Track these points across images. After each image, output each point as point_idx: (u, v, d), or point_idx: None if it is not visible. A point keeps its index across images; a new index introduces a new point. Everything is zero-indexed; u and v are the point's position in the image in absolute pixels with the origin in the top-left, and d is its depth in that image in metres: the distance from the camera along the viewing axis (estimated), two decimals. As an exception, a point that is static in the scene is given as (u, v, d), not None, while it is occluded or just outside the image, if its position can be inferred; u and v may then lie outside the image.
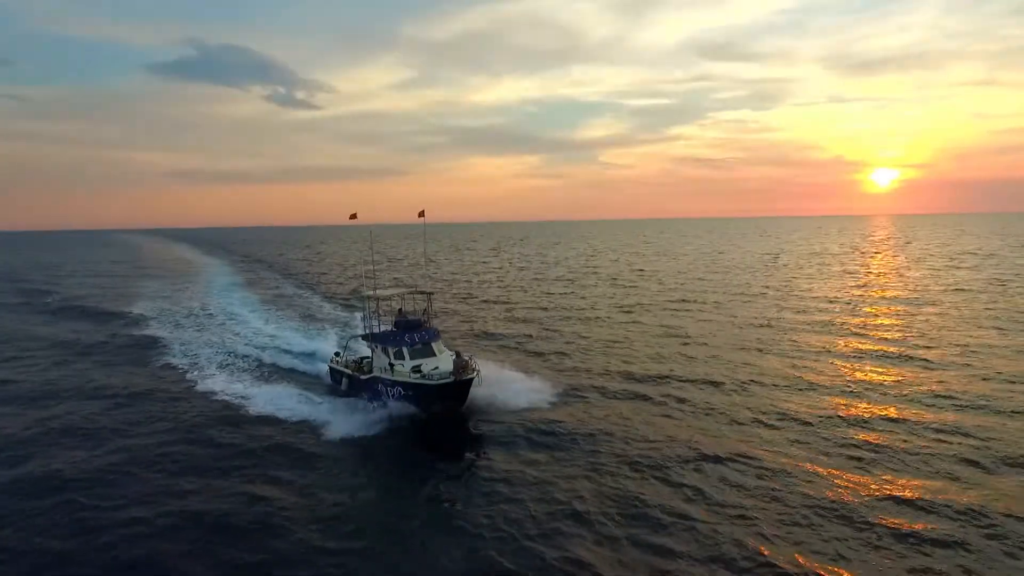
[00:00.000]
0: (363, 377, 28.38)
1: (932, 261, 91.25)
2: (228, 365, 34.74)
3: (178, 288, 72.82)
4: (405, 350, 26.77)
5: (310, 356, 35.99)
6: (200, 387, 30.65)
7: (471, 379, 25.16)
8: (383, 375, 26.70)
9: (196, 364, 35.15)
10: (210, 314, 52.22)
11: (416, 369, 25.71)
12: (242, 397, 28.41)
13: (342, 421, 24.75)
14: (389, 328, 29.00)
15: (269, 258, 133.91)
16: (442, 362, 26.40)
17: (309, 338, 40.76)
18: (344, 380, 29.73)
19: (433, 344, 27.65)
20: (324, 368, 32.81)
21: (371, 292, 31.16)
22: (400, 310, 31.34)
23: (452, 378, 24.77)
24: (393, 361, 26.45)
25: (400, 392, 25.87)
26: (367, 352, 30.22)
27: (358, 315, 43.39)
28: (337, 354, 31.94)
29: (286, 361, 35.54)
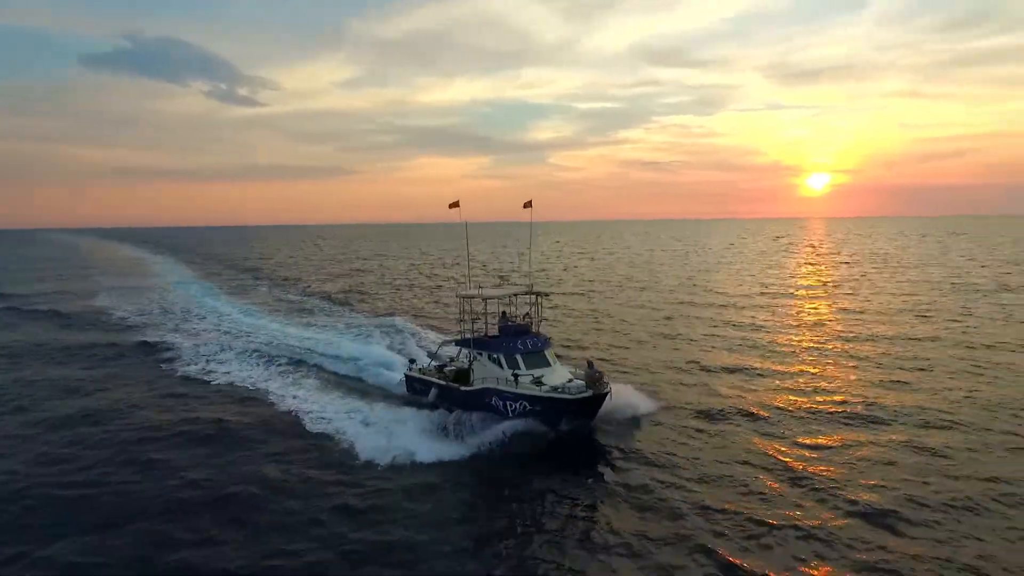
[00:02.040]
0: (465, 389, 24.98)
1: (829, 258, 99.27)
2: (284, 372, 31.94)
3: (147, 289, 72.04)
4: (520, 358, 24.13)
5: (374, 364, 32.67)
6: (257, 397, 27.86)
7: (607, 392, 22.49)
8: (501, 386, 23.55)
9: (216, 371, 32.61)
10: (201, 315, 50.46)
11: (537, 381, 23.07)
12: (319, 415, 24.80)
13: (455, 443, 21.74)
14: (474, 335, 25.98)
15: (250, 262, 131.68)
16: (559, 373, 24.24)
17: (352, 340, 38.09)
18: (433, 391, 26.22)
19: (546, 352, 25.13)
20: (390, 376, 30.26)
21: (474, 291, 27.46)
22: (504, 313, 27.79)
23: (590, 391, 22.00)
24: (509, 371, 23.69)
25: (525, 407, 22.79)
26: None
27: (398, 319, 43.96)
28: (412, 361, 29.50)
29: (336, 367, 32.70)
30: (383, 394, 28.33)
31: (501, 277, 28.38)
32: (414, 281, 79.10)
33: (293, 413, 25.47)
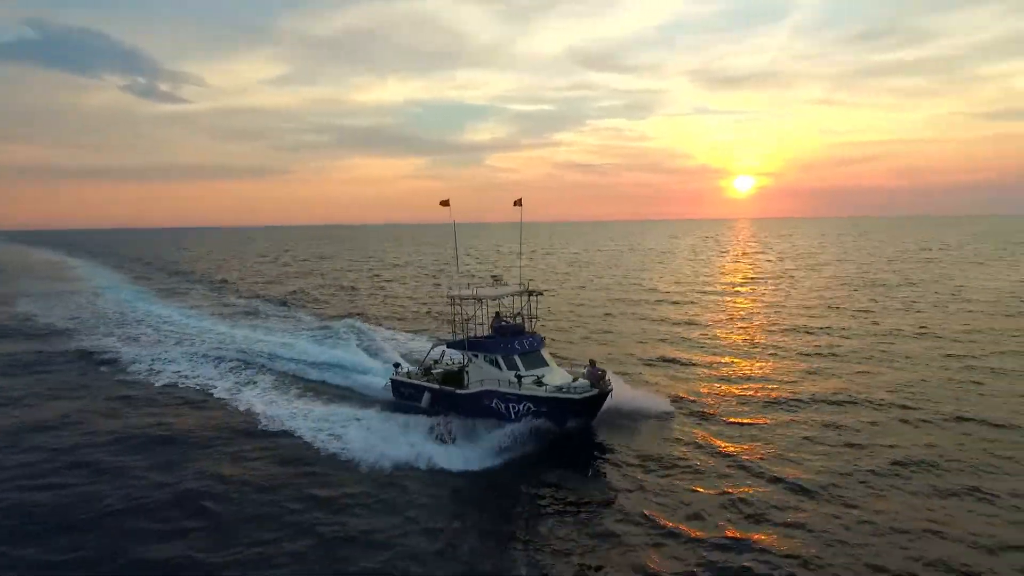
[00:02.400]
0: (461, 392, 24.45)
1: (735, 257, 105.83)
2: (249, 381, 30.71)
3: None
4: (518, 359, 23.73)
5: (337, 367, 32.27)
6: (228, 408, 26.63)
7: (610, 391, 22.70)
8: (503, 388, 23.11)
9: (200, 382, 30.83)
10: (144, 322, 48.41)
11: (538, 381, 22.86)
12: (294, 424, 23.90)
13: (458, 449, 21.02)
14: (466, 336, 25.34)
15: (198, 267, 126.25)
16: (558, 372, 24.13)
17: (321, 344, 37.13)
18: (426, 396, 25.46)
19: (543, 352, 24.95)
20: (372, 381, 29.47)
21: (468, 292, 26.39)
22: (497, 314, 27.08)
23: (596, 390, 22.16)
24: (509, 372, 23.27)
25: (529, 408, 22.45)
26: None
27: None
28: (397, 365, 28.42)
29: (314, 375, 31.48)
30: (368, 400, 27.26)
31: (494, 277, 27.75)
32: (362, 282, 78.93)
33: (279, 424, 24.20)
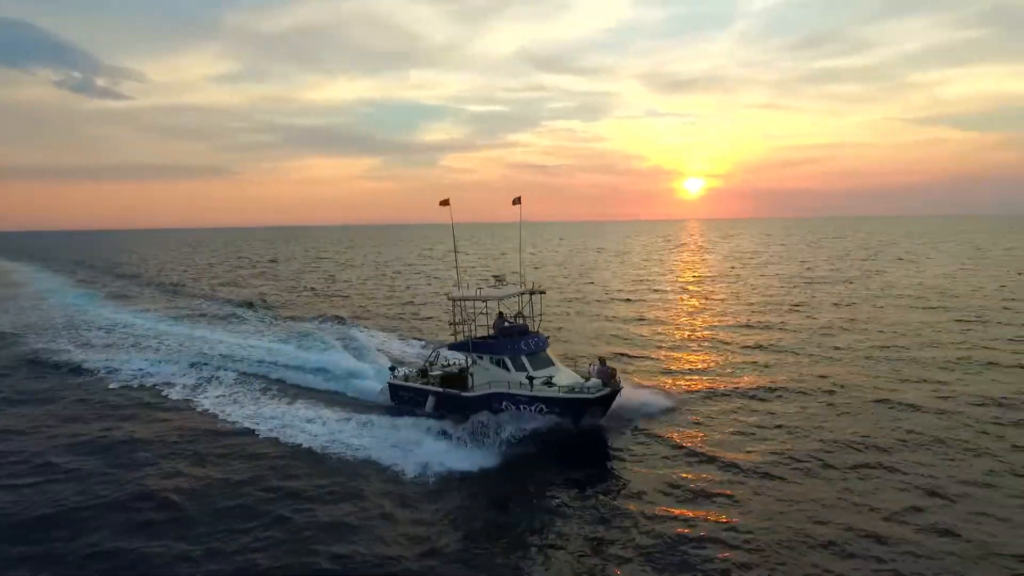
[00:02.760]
0: (468, 395, 24.37)
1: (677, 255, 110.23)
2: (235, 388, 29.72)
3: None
4: (525, 360, 23.80)
5: (323, 371, 31.69)
6: (213, 418, 25.46)
7: (621, 388, 23.15)
8: (513, 390, 23.08)
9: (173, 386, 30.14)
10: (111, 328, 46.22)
11: (547, 382, 23.12)
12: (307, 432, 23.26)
13: (468, 451, 21.03)
14: (468, 337, 25.29)
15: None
16: (565, 372, 24.34)
17: (307, 350, 36.14)
18: (430, 400, 25.36)
19: (547, 352, 25.10)
20: (365, 385, 29.09)
21: (471, 293, 26.08)
22: (501, 314, 26.84)
23: (608, 389, 22.47)
24: (519, 373, 23.31)
25: (542, 409, 22.66)
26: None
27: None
28: (393, 369, 28.33)
29: (298, 379, 30.70)
30: (366, 405, 26.75)
31: (496, 278, 27.81)
32: (325, 283, 78.55)
33: (290, 435, 23.28)
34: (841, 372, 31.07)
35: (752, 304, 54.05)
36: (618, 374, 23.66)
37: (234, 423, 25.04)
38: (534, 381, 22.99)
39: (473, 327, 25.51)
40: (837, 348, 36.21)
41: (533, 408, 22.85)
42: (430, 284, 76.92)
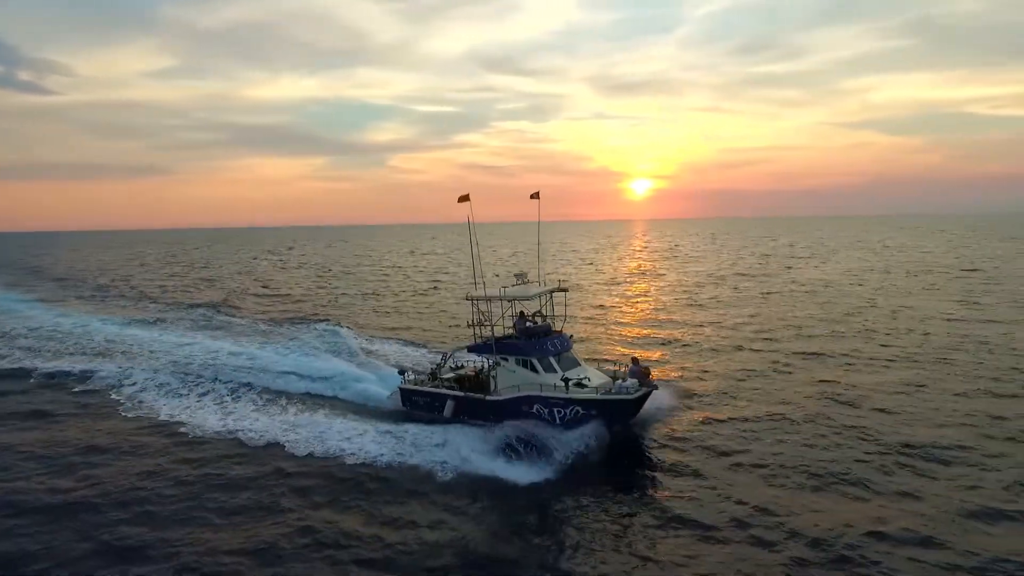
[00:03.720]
0: (493, 398, 23.15)
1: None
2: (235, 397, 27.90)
3: None
4: (553, 361, 22.86)
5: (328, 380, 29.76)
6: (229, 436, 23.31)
7: (656, 387, 22.35)
8: (545, 392, 21.89)
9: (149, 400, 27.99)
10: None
11: (579, 383, 22.05)
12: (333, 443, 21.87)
13: (516, 464, 19.72)
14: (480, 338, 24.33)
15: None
16: (593, 372, 23.50)
17: (283, 356, 34.08)
18: (449, 404, 24.06)
19: (572, 353, 24.21)
20: (373, 391, 27.66)
21: (494, 292, 24.79)
22: (522, 313, 25.31)
23: (645, 388, 21.64)
24: (549, 375, 22.29)
25: (578, 412, 21.43)
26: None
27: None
28: (403, 372, 26.93)
29: (302, 386, 29.10)
30: (378, 411, 25.61)
31: (518, 276, 26.04)
32: (282, 283, 75.99)
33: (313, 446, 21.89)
34: (741, 360, 32.72)
35: (675, 300, 56.20)
36: (652, 373, 22.94)
37: (252, 436, 23.21)
38: (569, 383, 21.93)
39: (492, 328, 24.35)
40: (743, 338, 38.09)
41: (568, 411, 21.79)
42: (405, 285, 75.18)
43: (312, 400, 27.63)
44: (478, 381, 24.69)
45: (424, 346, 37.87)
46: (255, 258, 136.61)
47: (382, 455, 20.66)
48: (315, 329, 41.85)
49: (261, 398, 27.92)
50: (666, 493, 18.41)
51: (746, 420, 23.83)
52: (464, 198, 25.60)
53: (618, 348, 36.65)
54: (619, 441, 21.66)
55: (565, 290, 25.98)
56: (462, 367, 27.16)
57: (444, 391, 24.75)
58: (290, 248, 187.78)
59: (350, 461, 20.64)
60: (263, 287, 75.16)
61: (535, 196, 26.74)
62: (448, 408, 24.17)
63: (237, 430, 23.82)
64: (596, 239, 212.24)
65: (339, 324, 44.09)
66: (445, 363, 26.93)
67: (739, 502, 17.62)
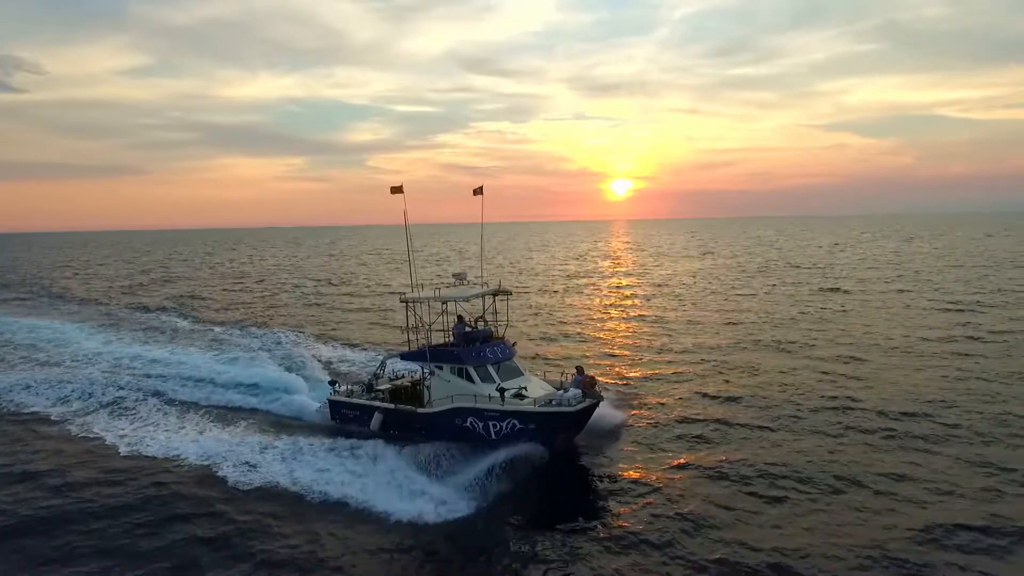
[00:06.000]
0: (424, 411, 21.19)
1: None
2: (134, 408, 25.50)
3: None
4: (492, 370, 20.80)
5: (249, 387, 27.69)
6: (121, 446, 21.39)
7: (602, 399, 20.49)
8: (480, 404, 19.90)
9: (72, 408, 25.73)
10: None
11: (518, 395, 19.81)
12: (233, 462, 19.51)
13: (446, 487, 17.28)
14: (427, 344, 21.99)
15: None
16: (535, 383, 21.33)
17: (227, 362, 31.59)
18: (376, 418, 21.82)
19: (515, 361, 22.08)
20: (302, 402, 25.41)
21: (428, 293, 22.74)
22: (460, 317, 22.87)
23: (589, 400, 19.59)
24: (486, 385, 20.20)
25: (515, 426, 19.39)
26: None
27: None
28: (334, 383, 25.10)
29: (217, 397, 26.70)
30: (301, 426, 23.34)
31: (456, 276, 23.67)
32: (250, 285, 73.11)
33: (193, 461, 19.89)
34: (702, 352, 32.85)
35: (655, 297, 55.90)
36: (597, 383, 20.62)
37: (138, 452, 20.95)
38: (505, 394, 19.72)
39: (428, 333, 22.03)
40: (716, 334, 37.23)
41: (505, 425, 19.61)
42: (369, 286, 72.71)
43: (234, 413, 25.13)
44: (414, 392, 22.63)
45: (366, 350, 35.46)
46: (212, 259, 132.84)
47: (278, 480, 18.20)
48: (252, 334, 39.25)
49: (172, 408, 25.52)
50: (613, 517, 16.12)
51: (698, 426, 22.32)
52: (397, 189, 23.27)
53: (565, 356, 34.08)
54: (560, 459, 19.44)
55: (508, 292, 23.73)
56: (401, 377, 25.01)
57: (372, 403, 22.57)
58: (264, 246, 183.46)
59: (244, 487, 18.11)
60: (226, 289, 72.15)
61: (478, 192, 24.95)
62: (375, 422, 21.85)
63: (139, 445, 21.57)
64: (571, 240, 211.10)
65: (280, 329, 41.48)
66: (383, 372, 24.69)
67: (689, 519, 15.85)
